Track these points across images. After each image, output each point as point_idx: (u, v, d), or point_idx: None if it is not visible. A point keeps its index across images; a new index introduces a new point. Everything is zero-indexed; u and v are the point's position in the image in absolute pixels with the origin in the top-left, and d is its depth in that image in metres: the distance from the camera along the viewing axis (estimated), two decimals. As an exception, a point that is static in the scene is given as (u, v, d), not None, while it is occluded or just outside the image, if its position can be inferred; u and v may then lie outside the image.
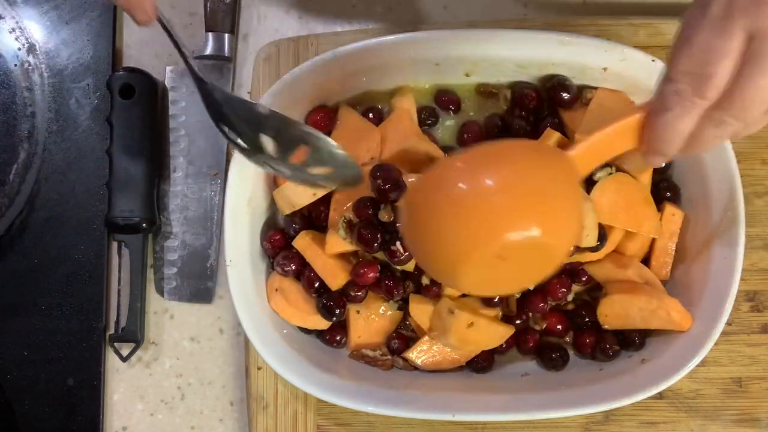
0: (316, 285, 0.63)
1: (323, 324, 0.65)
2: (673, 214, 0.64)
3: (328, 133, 0.65)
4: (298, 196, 0.63)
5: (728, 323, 0.60)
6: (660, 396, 0.66)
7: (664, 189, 0.65)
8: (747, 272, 0.65)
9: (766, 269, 0.68)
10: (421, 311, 0.63)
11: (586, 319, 0.64)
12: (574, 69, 0.63)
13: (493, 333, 0.62)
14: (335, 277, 0.62)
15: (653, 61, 0.61)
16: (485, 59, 0.64)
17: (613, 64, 0.62)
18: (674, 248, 0.64)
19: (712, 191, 0.61)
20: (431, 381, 0.64)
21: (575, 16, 0.72)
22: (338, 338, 0.65)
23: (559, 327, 0.64)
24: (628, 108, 0.63)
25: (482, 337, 0.62)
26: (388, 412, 0.61)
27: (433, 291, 0.62)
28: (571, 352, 0.65)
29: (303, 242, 0.63)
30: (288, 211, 0.64)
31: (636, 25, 0.69)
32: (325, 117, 0.65)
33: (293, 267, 0.64)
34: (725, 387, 0.66)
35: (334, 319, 0.64)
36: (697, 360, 0.58)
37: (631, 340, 0.63)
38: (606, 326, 0.63)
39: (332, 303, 0.63)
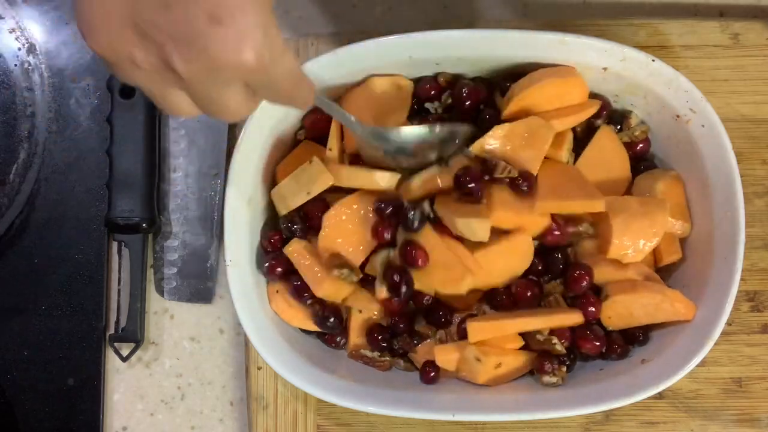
0: (305, 295, 0.63)
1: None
2: (671, 187, 0.63)
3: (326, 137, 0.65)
4: (293, 196, 0.63)
5: (728, 323, 0.60)
6: (660, 396, 0.66)
7: (642, 165, 0.66)
8: (747, 272, 0.65)
9: (766, 269, 0.68)
10: (447, 360, 0.62)
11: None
12: (574, 69, 0.63)
13: (520, 365, 0.62)
14: (328, 290, 0.63)
15: (653, 61, 0.61)
16: (485, 59, 0.64)
17: (613, 64, 0.62)
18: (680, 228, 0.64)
19: (713, 191, 0.61)
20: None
21: (575, 16, 0.72)
22: (338, 339, 0.65)
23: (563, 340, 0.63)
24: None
25: (511, 372, 0.62)
26: (388, 412, 0.61)
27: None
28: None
29: (294, 249, 0.63)
30: (284, 211, 0.64)
31: (636, 25, 0.69)
32: (323, 117, 0.65)
33: (279, 270, 0.64)
34: (725, 387, 0.66)
35: (329, 325, 0.64)
36: (697, 360, 0.58)
37: (635, 337, 0.63)
38: (611, 328, 0.63)
39: (326, 312, 0.63)
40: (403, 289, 0.60)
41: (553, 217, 0.61)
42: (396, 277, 0.60)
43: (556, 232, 0.61)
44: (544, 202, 0.60)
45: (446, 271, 0.60)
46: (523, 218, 0.60)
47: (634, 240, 0.61)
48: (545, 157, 0.62)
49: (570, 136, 0.64)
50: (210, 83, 0.42)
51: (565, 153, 0.63)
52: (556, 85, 0.61)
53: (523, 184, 0.60)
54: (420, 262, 0.59)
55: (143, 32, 0.40)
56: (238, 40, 0.40)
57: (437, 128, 0.61)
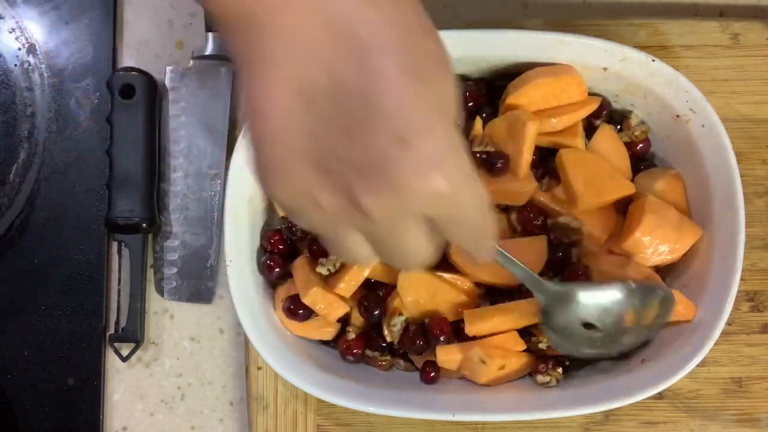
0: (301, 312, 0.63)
1: (327, 336, 0.65)
2: (671, 186, 0.63)
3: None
4: None
5: (728, 323, 0.60)
6: (660, 396, 0.66)
7: (642, 164, 0.66)
8: (747, 272, 0.65)
9: (766, 269, 0.68)
10: (449, 361, 0.62)
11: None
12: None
13: (522, 367, 0.62)
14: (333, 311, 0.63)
15: (653, 61, 0.61)
16: (485, 59, 0.64)
17: (613, 64, 0.62)
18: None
19: (713, 191, 0.61)
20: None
21: (575, 16, 0.72)
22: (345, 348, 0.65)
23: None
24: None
25: (512, 373, 0.62)
26: (388, 412, 0.60)
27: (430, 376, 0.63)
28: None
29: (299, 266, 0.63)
30: (282, 213, 0.64)
31: (636, 25, 0.69)
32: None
33: (277, 270, 0.64)
34: (725, 387, 0.66)
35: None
36: (697, 360, 0.58)
37: None
38: None
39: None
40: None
41: (531, 202, 0.62)
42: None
43: (536, 222, 0.62)
44: (584, 200, 0.61)
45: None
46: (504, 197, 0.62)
47: (654, 243, 0.61)
48: (566, 147, 0.63)
49: (581, 127, 0.64)
50: (396, 219, 0.38)
51: (580, 140, 0.63)
52: (550, 83, 0.61)
53: (498, 162, 0.61)
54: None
55: (327, 169, 0.37)
56: (430, 163, 0.36)
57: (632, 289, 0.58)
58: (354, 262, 0.43)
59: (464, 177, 0.39)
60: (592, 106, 0.63)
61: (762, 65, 0.69)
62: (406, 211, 0.38)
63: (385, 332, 0.63)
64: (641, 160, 0.66)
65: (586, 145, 0.64)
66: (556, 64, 0.62)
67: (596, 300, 0.58)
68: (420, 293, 0.62)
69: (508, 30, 0.62)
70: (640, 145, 0.65)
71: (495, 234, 0.45)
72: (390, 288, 0.63)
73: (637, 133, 0.65)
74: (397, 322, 0.62)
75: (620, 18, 0.70)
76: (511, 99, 0.62)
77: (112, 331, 0.70)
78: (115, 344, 0.69)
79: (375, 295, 0.63)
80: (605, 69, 0.62)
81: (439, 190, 0.37)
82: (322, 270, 0.62)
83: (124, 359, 0.69)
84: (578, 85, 0.63)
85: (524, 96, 0.62)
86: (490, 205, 0.42)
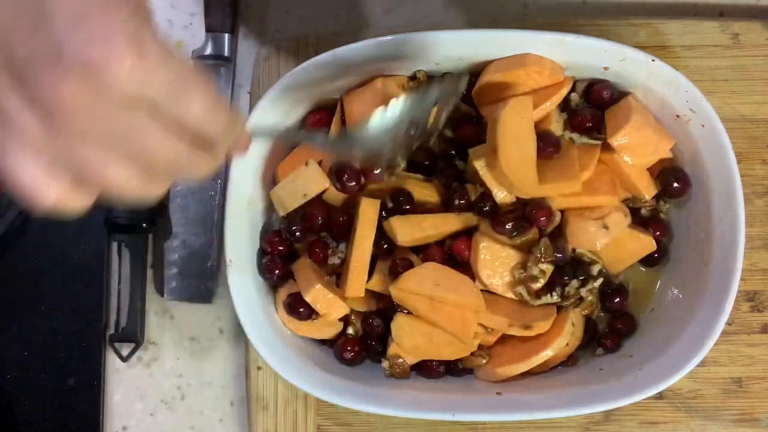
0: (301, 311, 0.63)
1: (329, 334, 0.65)
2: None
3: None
4: (290, 198, 0.63)
5: (728, 323, 0.60)
6: (660, 396, 0.66)
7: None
8: (747, 272, 0.65)
9: (766, 269, 0.68)
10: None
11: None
12: (575, 69, 0.63)
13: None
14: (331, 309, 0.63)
15: (653, 60, 0.61)
16: (485, 59, 0.64)
17: (613, 64, 0.62)
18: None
19: (712, 191, 0.61)
20: (431, 381, 0.64)
21: (575, 16, 0.72)
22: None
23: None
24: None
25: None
26: (388, 412, 0.61)
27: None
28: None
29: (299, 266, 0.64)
30: (283, 213, 0.64)
31: (636, 25, 0.69)
32: (324, 118, 0.65)
33: (277, 273, 0.64)
34: (725, 387, 0.67)
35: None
36: (697, 360, 0.58)
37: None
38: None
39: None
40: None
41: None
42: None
43: None
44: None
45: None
46: None
47: (639, 143, 0.61)
48: None
49: (555, 114, 0.63)
50: (108, 109, 0.34)
51: (554, 127, 0.62)
52: (500, 79, 0.62)
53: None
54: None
55: (15, 83, 0.34)
56: (112, 30, 0.33)
57: (406, 106, 0.54)
58: (119, 187, 0.37)
59: (154, 40, 0.35)
60: (561, 94, 0.62)
61: (762, 65, 0.69)
62: (112, 93, 0.34)
63: (384, 365, 0.63)
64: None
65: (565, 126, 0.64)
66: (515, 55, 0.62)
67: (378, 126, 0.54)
68: (416, 339, 0.61)
69: (508, 30, 0.62)
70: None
71: (225, 102, 0.40)
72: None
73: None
74: (395, 364, 0.63)
75: (620, 18, 0.70)
76: (480, 90, 0.63)
77: (112, 331, 0.70)
78: (115, 344, 0.69)
79: (381, 316, 0.63)
80: (605, 69, 0.62)
81: (129, 56, 0.33)
82: (334, 260, 0.62)
83: (124, 359, 0.69)
84: (538, 73, 0.61)
85: (488, 91, 0.63)
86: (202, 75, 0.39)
